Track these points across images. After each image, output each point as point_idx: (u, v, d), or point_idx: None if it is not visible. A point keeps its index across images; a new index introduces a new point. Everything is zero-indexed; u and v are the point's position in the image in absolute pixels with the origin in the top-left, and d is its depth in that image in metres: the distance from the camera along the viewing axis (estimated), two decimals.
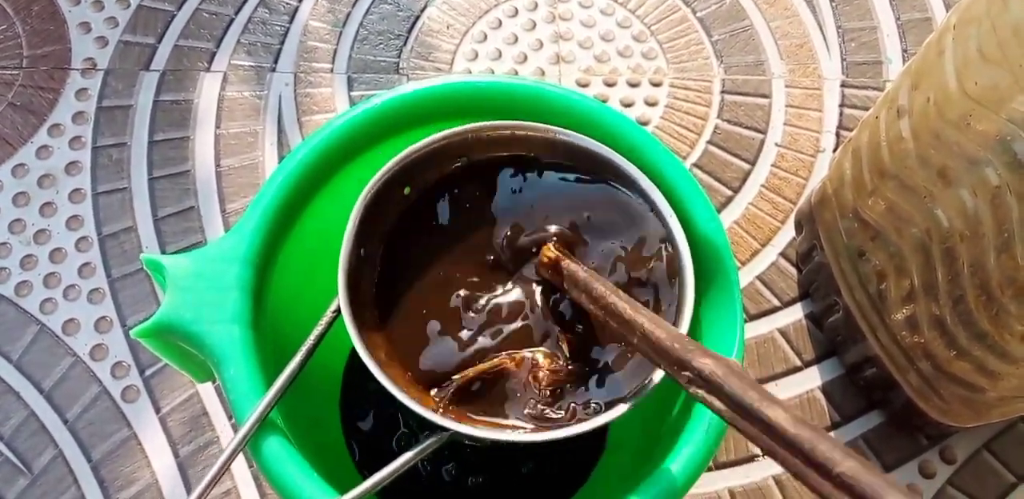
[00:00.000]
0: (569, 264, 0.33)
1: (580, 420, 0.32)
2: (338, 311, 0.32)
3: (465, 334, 0.34)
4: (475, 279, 0.35)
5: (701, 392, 0.25)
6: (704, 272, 0.36)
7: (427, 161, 0.35)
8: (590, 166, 0.36)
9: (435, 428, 0.31)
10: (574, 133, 0.35)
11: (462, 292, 0.35)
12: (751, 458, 0.55)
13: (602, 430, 0.50)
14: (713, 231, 0.36)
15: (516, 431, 0.32)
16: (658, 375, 0.31)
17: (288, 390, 0.32)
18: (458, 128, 0.35)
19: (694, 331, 0.37)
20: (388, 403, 0.51)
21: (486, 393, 0.33)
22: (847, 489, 0.19)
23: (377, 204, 0.34)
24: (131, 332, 0.33)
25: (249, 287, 0.34)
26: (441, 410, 0.32)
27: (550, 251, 0.34)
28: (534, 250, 0.35)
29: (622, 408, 0.31)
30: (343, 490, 0.30)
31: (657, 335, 0.27)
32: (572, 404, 0.33)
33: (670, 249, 0.34)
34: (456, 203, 0.36)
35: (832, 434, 0.56)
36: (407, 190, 0.35)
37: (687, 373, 0.25)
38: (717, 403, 0.24)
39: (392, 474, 0.31)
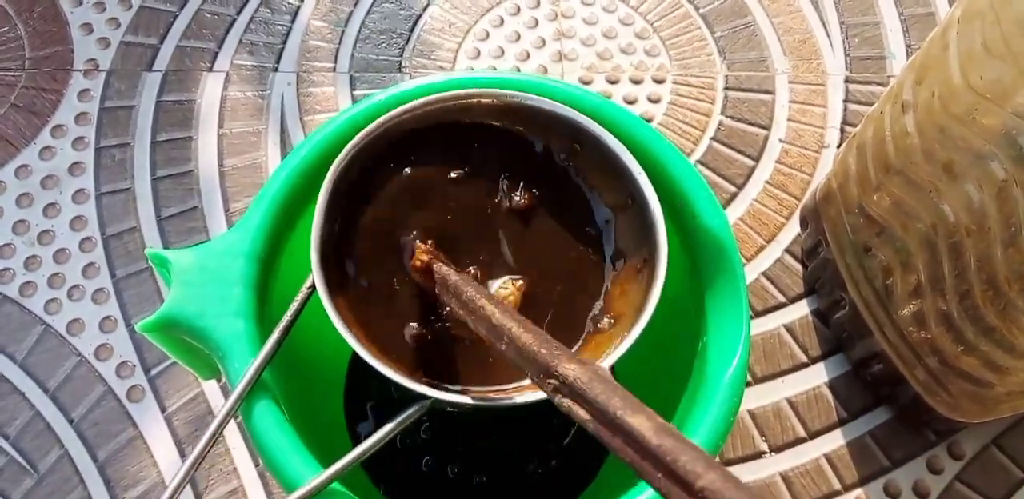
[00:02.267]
0: (441, 267, 0.32)
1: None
2: (313, 287, 0.32)
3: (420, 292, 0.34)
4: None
5: (566, 402, 0.23)
6: (710, 268, 0.36)
7: (396, 134, 0.34)
8: (556, 131, 0.35)
9: (416, 398, 0.31)
10: (539, 97, 0.34)
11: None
12: (758, 455, 0.55)
13: None
14: (719, 227, 0.36)
15: (501, 395, 0.32)
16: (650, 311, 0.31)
17: (292, 375, 0.32)
18: (426, 98, 0.34)
19: (700, 328, 0.37)
20: (389, 391, 0.51)
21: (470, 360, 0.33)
22: None
23: (345, 180, 0.33)
24: (136, 326, 0.33)
25: (253, 282, 0.34)
26: (422, 379, 0.32)
27: (423, 254, 0.33)
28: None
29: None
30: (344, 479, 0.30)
31: (524, 340, 0.26)
32: None
33: (639, 206, 0.33)
34: (410, 172, 0.36)
35: (839, 431, 0.56)
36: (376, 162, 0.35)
37: (552, 381, 0.24)
38: (581, 413, 0.22)
39: (374, 445, 0.31)
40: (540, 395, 0.30)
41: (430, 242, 0.34)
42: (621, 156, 0.34)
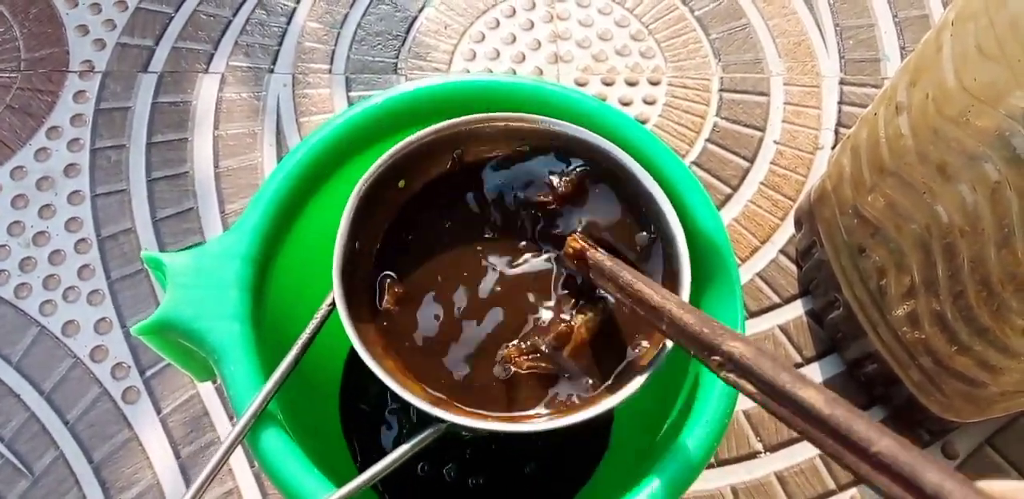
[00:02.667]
0: (595, 254, 0.33)
1: (579, 407, 0.32)
2: (334, 304, 0.32)
3: (464, 325, 0.34)
4: (473, 272, 0.35)
5: (732, 376, 0.24)
6: (705, 269, 0.36)
7: (422, 155, 0.35)
8: (585, 157, 0.36)
9: (432, 421, 0.31)
10: (567, 123, 0.35)
11: (461, 286, 0.35)
12: (753, 455, 0.55)
13: (606, 428, 0.50)
14: (713, 228, 0.36)
15: (518, 422, 0.32)
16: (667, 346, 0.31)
17: (285, 385, 0.32)
18: (451, 121, 0.35)
19: None
20: (387, 402, 0.51)
21: (485, 385, 0.33)
22: (885, 468, 0.18)
23: (371, 198, 0.34)
24: (132, 329, 0.33)
25: (249, 284, 0.34)
26: (437, 402, 0.32)
27: (575, 242, 0.34)
28: (537, 239, 0.35)
29: (638, 381, 0.31)
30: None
31: (686, 320, 0.27)
32: (571, 395, 0.33)
33: (663, 235, 0.34)
34: (453, 198, 0.36)
35: None
36: (402, 183, 0.35)
37: (717, 357, 0.25)
38: (749, 387, 0.24)
39: (389, 467, 0.31)
40: (560, 422, 0.30)
41: (580, 234, 0.34)
42: (648, 187, 0.34)
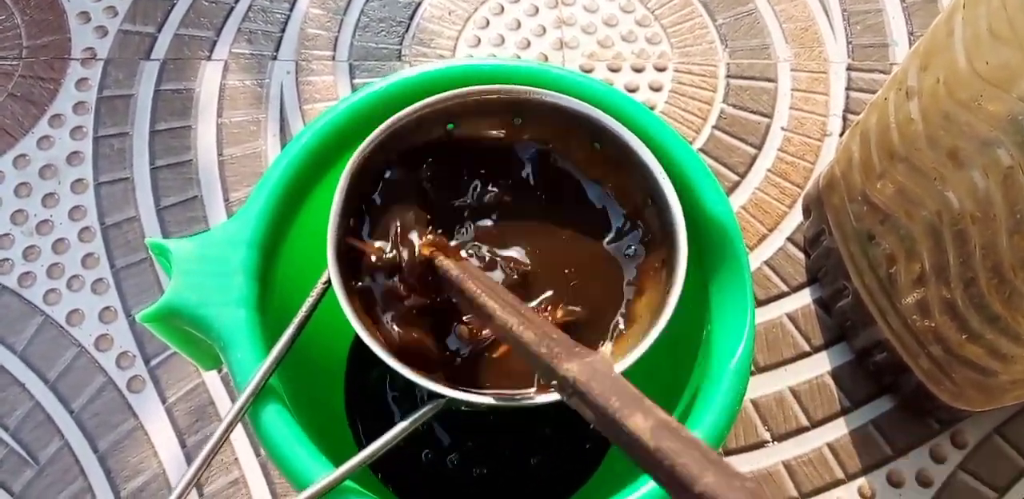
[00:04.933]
0: (443, 261, 0.32)
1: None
2: (329, 282, 0.31)
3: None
4: (461, 243, 0.35)
5: (574, 401, 0.22)
6: (714, 257, 0.36)
7: (413, 129, 0.34)
8: (576, 129, 0.35)
9: (432, 397, 0.31)
10: (559, 94, 0.35)
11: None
12: (761, 444, 0.55)
13: None
14: (723, 214, 0.36)
15: (514, 397, 0.31)
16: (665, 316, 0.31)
17: (291, 366, 0.32)
18: (444, 94, 0.34)
19: (704, 316, 0.36)
20: (393, 385, 0.51)
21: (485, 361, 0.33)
22: None
23: (364, 174, 0.33)
24: (137, 317, 0.32)
25: (254, 270, 0.33)
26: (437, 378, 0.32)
27: (425, 248, 0.33)
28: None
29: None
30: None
31: (525, 339, 0.25)
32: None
33: (658, 205, 0.33)
34: (441, 174, 0.36)
35: (842, 419, 0.56)
36: (394, 157, 0.35)
37: (555, 382, 0.23)
38: (588, 412, 0.21)
39: (387, 444, 0.30)
40: (549, 397, 0.30)
41: (430, 237, 0.33)
42: (642, 155, 0.34)
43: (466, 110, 0.35)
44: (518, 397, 0.31)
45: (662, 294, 0.32)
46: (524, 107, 0.35)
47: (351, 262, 0.32)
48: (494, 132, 0.36)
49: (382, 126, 0.33)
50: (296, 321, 0.32)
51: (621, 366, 0.30)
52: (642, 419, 0.19)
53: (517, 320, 0.26)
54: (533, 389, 0.32)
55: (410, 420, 0.31)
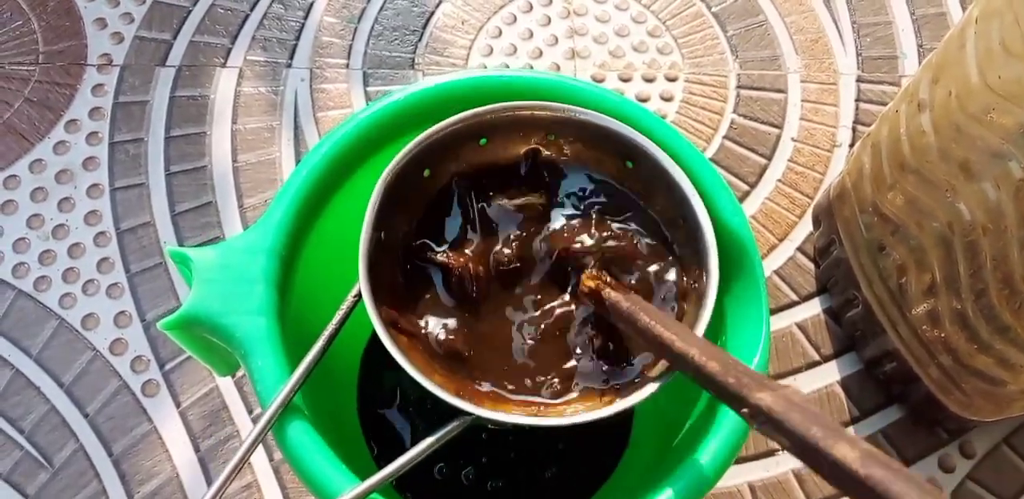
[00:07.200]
0: (610, 293, 0.32)
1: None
2: (359, 296, 0.32)
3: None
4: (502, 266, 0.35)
5: (766, 429, 0.23)
6: (729, 265, 0.36)
7: (446, 144, 0.35)
8: (609, 147, 0.35)
9: (456, 414, 0.31)
10: (593, 112, 0.35)
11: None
12: (771, 453, 0.55)
13: (627, 425, 0.50)
14: (738, 224, 0.36)
15: (541, 416, 0.32)
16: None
17: (310, 378, 0.32)
18: (476, 110, 0.35)
19: (719, 325, 0.37)
20: (406, 395, 0.51)
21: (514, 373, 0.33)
22: None
23: (396, 188, 0.34)
24: (158, 324, 0.33)
25: (275, 279, 0.34)
26: (462, 393, 0.32)
27: (589, 280, 0.33)
28: (559, 251, 0.35)
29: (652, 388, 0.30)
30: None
31: (710, 369, 0.26)
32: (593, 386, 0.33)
33: (691, 227, 0.34)
34: (479, 192, 0.36)
35: (851, 429, 0.56)
36: (427, 173, 0.35)
37: (746, 410, 0.24)
38: (783, 440, 0.22)
39: (413, 460, 0.31)
40: (591, 415, 0.30)
41: (599, 270, 0.34)
42: (675, 176, 0.34)
43: (499, 125, 0.35)
44: (552, 416, 0.31)
45: (694, 315, 0.32)
46: (557, 124, 0.36)
47: (380, 278, 0.33)
48: (525, 148, 0.36)
49: (416, 140, 0.34)
50: (325, 335, 0.33)
51: (659, 382, 0.30)
52: (848, 448, 0.20)
53: (698, 351, 0.27)
54: (575, 394, 0.32)
55: (436, 436, 0.31)
